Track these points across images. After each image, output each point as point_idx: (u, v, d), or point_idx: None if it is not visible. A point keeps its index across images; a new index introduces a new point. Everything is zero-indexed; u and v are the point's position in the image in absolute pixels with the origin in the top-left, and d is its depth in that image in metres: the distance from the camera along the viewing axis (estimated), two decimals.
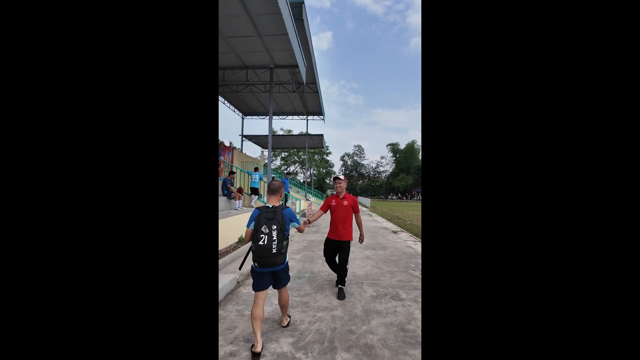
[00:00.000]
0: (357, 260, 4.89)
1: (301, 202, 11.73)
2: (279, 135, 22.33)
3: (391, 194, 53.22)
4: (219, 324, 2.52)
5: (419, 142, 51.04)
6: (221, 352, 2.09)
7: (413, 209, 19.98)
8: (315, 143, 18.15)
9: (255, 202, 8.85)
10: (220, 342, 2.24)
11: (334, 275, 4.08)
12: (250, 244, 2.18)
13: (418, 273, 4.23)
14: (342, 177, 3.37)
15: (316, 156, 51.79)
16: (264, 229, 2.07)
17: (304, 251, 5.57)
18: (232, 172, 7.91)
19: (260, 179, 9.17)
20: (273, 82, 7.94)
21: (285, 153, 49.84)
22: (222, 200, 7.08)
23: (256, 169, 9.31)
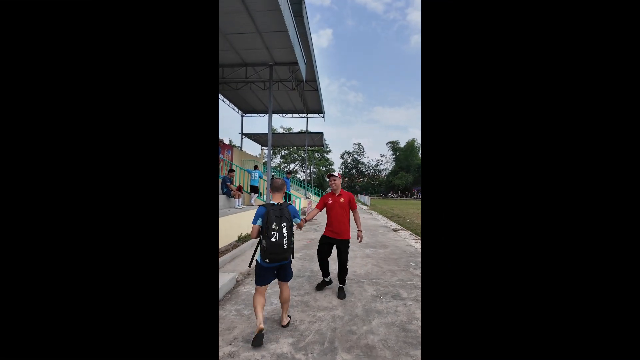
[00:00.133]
0: (358, 259, 4.87)
1: (301, 201, 11.70)
2: (279, 133, 22.27)
3: (391, 192, 53.23)
4: (218, 324, 2.49)
5: (419, 140, 51.03)
6: (220, 353, 2.06)
7: (413, 207, 19.97)
8: (315, 141, 18.11)
9: (255, 200, 8.82)
10: (219, 342, 2.21)
11: (334, 274, 4.05)
12: (258, 240, 2.27)
13: (419, 272, 4.21)
14: (336, 173, 3.30)
15: (316, 154, 51.74)
16: (274, 226, 2.14)
17: (303, 249, 5.54)
18: (231, 170, 7.87)
19: (260, 177, 9.13)
20: (273, 79, 7.89)
21: (285, 151, 49.79)
22: (221, 199, 7.05)
23: (256, 167, 9.27)
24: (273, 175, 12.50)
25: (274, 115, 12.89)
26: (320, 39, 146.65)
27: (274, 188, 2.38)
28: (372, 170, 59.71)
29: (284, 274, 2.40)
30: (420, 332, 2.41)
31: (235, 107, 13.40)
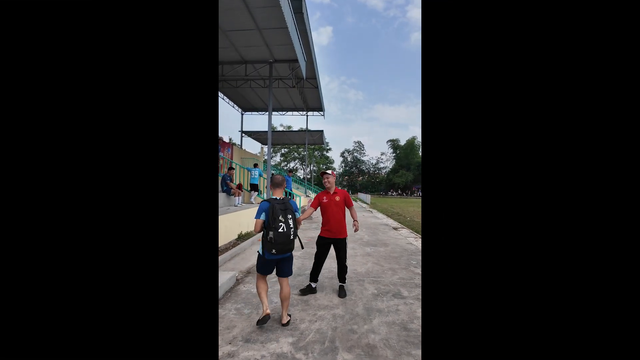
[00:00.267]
0: (358, 257, 4.85)
1: (301, 199, 11.68)
2: (279, 131, 22.22)
3: (391, 190, 53.23)
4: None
5: (419, 138, 50.90)
6: (219, 353, 2.04)
7: (413, 206, 19.95)
8: (315, 139, 18.06)
9: (255, 198, 8.79)
10: (219, 342, 2.18)
11: (334, 272, 4.03)
12: (261, 234, 2.38)
13: (419, 270, 4.18)
14: (329, 171, 3.24)
15: (316, 152, 51.69)
16: (280, 217, 2.26)
17: (305, 247, 5.51)
18: (231, 168, 7.84)
19: (260, 175, 9.10)
20: (272, 77, 7.84)
21: (285, 149, 49.74)
22: (221, 197, 7.02)
23: (255, 165, 9.23)
24: (273, 173, 12.48)
25: (274, 113, 12.84)
26: (320, 36, 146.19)
27: (274, 184, 2.48)
28: (372, 169, 59.68)
29: (285, 269, 2.47)
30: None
31: (235, 105, 13.35)
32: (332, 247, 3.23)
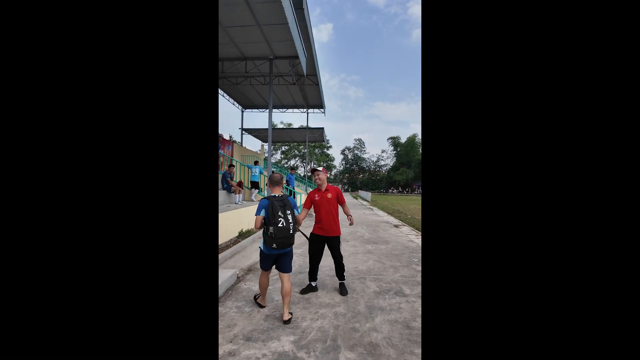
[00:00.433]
0: (359, 255, 4.82)
1: (302, 196, 11.65)
2: (279, 128, 22.16)
3: (392, 188, 53.20)
4: (218, 322, 2.45)
5: (419, 136, 50.75)
6: (220, 351, 2.02)
7: (414, 203, 19.91)
8: (316, 136, 18.01)
9: (255, 196, 8.76)
10: (219, 340, 2.16)
11: (334, 270, 4.01)
12: (264, 231, 2.46)
13: (421, 268, 4.16)
14: (320, 168, 3.17)
15: (316, 150, 51.62)
16: (280, 213, 2.36)
17: (304, 245, 5.49)
18: (231, 165, 7.81)
19: (261, 172, 9.06)
20: (273, 73, 7.78)
21: (286, 147, 49.67)
22: (222, 194, 7.00)
23: (256, 163, 9.19)
24: (274, 171, 12.46)
25: (274, 110, 12.78)
26: (321, 33, 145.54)
27: (273, 182, 2.58)
28: (372, 166, 59.56)
29: (285, 264, 2.54)
30: None
31: (235, 102, 13.29)
32: (326, 245, 3.18)
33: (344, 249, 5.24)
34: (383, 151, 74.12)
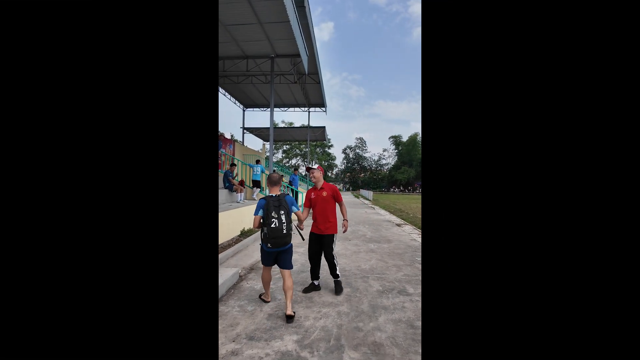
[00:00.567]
0: (362, 254, 4.80)
1: (303, 195, 11.63)
2: (281, 127, 22.14)
3: (393, 187, 53.10)
4: (220, 321, 2.43)
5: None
6: (223, 351, 2.00)
7: (416, 202, 19.85)
8: (317, 135, 17.99)
9: (257, 194, 8.75)
10: (222, 339, 2.15)
11: (338, 269, 3.98)
12: (262, 230, 2.52)
13: None
14: (316, 166, 3.13)
15: (318, 149, 51.58)
16: (273, 214, 2.42)
17: (306, 245, 5.48)
18: (232, 164, 7.79)
19: (262, 171, 9.05)
20: (274, 72, 7.75)
21: (287, 146, 49.65)
22: (223, 193, 6.99)
23: (258, 162, 9.18)
24: (275, 170, 12.42)
25: (275, 109, 12.76)
26: (322, 32, 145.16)
27: (271, 182, 2.65)
28: (374, 165, 59.47)
29: (284, 261, 2.60)
30: None
31: (236, 102, 13.28)
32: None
33: (346, 247, 5.22)
34: (384, 150, 73.87)
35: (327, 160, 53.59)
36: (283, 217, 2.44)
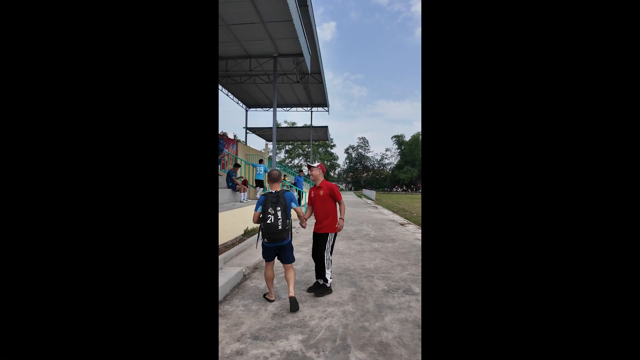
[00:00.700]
0: (366, 253, 4.77)
1: (306, 194, 11.62)
2: (283, 127, 22.14)
3: (396, 187, 52.95)
4: (225, 320, 2.41)
5: None
6: (227, 350, 1.98)
7: (419, 201, 19.76)
8: (320, 135, 17.97)
9: (260, 194, 8.75)
10: (226, 339, 2.13)
11: (342, 268, 3.96)
12: (259, 225, 2.60)
13: None
14: (316, 164, 3.08)
15: (320, 149, 51.56)
16: (270, 210, 2.51)
17: (311, 243, 5.46)
18: (236, 165, 7.79)
19: (265, 171, 9.04)
20: (277, 72, 7.74)
21: (290, 146, 49.68)
22: (227, 193, 6.99)
23: (261, 161, 9.17)
24: (277, 169, 12.43)
25: (278, 109, 12.74)
26: (324, 32, 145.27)
27: (271, 179, 2.76)
28: (376, 165, 59.32)
29: (285, 256, 2.71)
30: None
31: (239, 102, 13.29)
32: None
33: (350, 246, 5.19)
34: (387, 150, 73.84)
35: (329, 160, 53.56)
36: (279, 213, 2.50)
